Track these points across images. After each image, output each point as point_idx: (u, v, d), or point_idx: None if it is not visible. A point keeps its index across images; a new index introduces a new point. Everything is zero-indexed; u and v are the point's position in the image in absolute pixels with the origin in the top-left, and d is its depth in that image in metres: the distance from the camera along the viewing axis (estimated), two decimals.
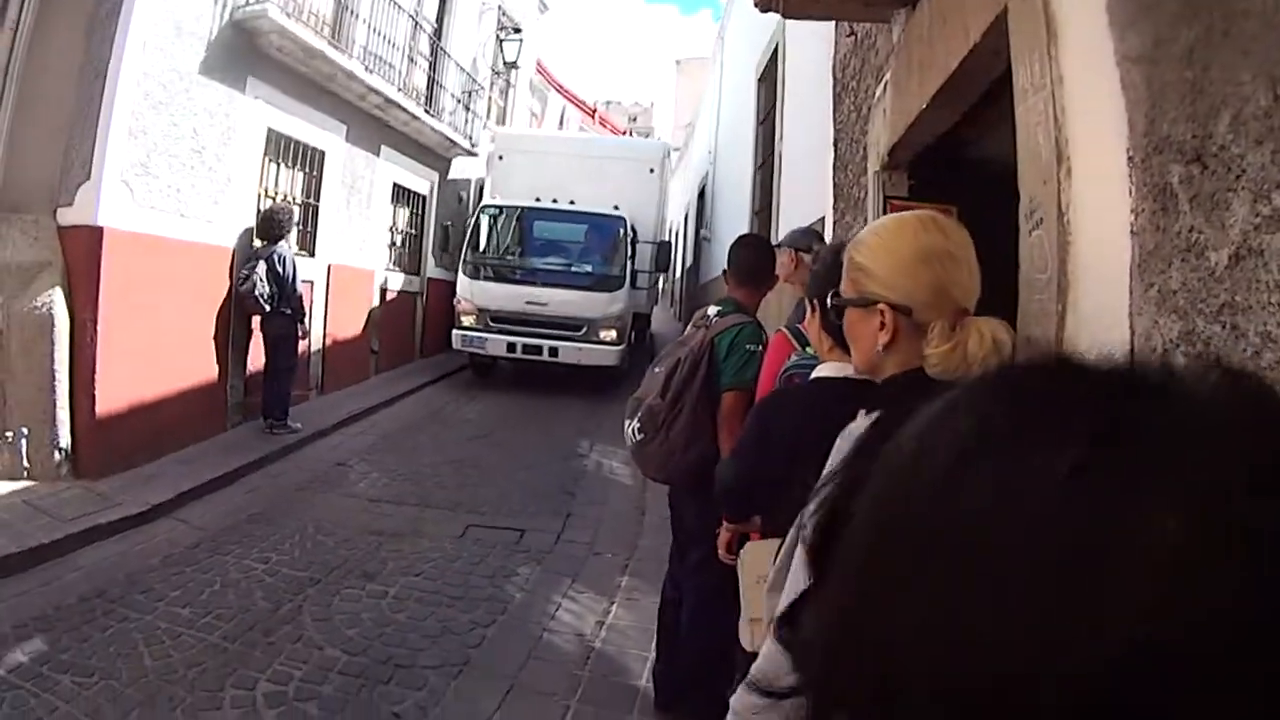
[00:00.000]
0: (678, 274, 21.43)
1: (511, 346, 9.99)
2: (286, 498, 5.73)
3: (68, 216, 5.55)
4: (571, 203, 10.85)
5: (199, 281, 6.60)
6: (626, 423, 3.08)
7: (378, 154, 10.16)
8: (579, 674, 3.55)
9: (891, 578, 0.35)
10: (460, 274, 10.47)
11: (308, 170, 8.58)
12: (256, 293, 6.71)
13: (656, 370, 3.09)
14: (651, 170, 12.13)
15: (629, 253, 10.61)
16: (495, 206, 11.03)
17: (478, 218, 10.93)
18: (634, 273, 10.71)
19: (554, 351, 9.93)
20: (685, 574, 3.10)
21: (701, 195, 16.16)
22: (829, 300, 1.39)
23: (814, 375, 1.85)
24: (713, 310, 3.14)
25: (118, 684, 3.14)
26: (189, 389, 6.45)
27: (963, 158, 3.21)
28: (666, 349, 3.21)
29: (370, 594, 4.21)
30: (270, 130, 7.61)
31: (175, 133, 6.16)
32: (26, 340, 5.34)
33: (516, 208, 10.92)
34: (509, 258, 10.75)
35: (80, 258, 5.49)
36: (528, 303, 9.97)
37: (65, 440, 5.37)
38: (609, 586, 4.54)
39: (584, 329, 9.95)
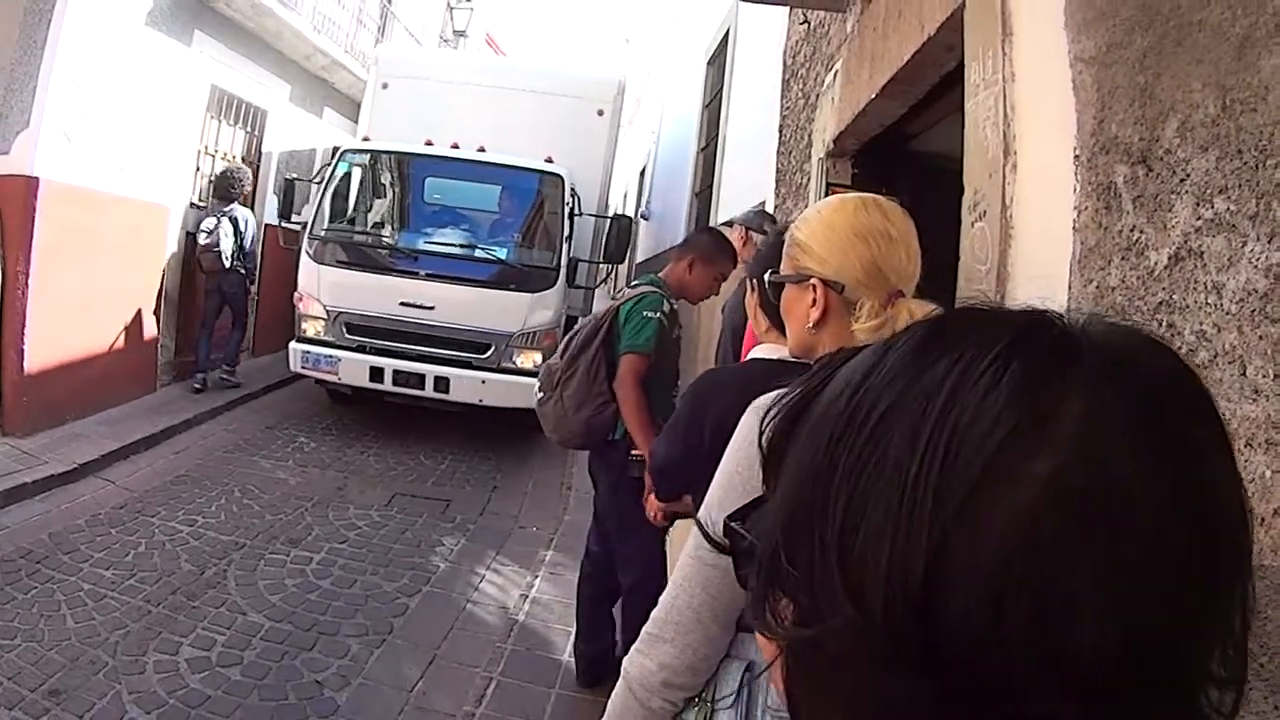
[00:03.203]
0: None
1: (376, 373, 6.24)
2: (214, 460, 5.59)
3: (3, 165, 5.25)
4: (481, 150, 6.84)
5: (135, 237, 6.39)
6: (535, 383, 3.18)
7: (321, 115, 9.89)
8: (502, 647, 3.54)
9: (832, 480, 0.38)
10: (304, 254, 6.60)
11: (249, 129, 8.36)
12: (220, 248, 6.69)
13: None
14: (600, 112, 7.86)
15: (567, 231, 6.69)
16: (362, 152, 7.04)
17: (334, 169, 6.85)
18: (573, 262, 6.84)
19: (442, 384, 6.22)
20: (615, 547, 3.12)
21: (642, 175, 16.10)
22: (766, 278, 1.38)
23: (749, 356, 1.85)
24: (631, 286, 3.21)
25: (40, 646, 3.07)
26: (120, 347, 6.29)
27: (907, 150, 3.27)
28: (585, 319, 3.28)
29: (295, 560, 4.15)
30: (214, 87, 7.39)
31: (118, 84, 5.90)
32: None
33: (394, 155, 7.05)
34: (379, 233, 7.05)
35: (15, 208, 5.23)
36: (404, 304, 6.26)
37: None
38: (533, 560, 4.53)
39: (490, 350, 6.32)
